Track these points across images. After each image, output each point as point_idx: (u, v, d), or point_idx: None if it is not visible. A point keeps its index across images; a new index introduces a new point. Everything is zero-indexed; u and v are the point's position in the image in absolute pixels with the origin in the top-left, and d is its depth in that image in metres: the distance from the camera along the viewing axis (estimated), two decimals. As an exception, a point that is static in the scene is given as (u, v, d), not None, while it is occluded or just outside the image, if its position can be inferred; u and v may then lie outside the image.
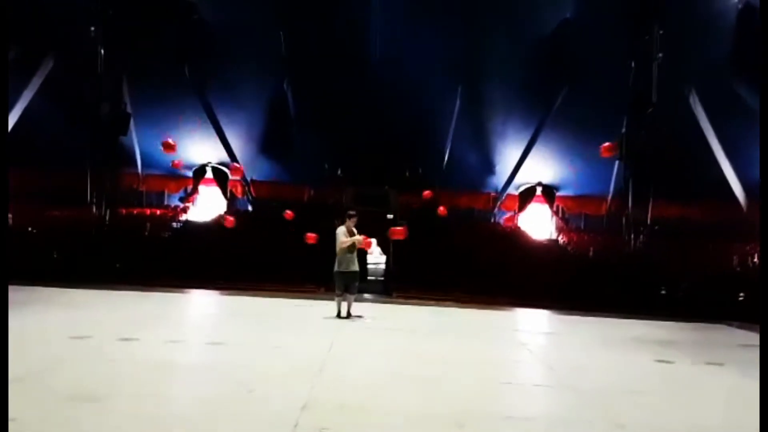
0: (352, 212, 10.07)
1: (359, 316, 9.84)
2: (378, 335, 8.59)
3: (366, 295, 14.22)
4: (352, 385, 5.27)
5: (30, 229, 19.46)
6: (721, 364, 7.64)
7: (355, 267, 9.69)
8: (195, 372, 5.67)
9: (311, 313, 10.48)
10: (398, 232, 11.68)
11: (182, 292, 14.43)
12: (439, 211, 12.36)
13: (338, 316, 9.66)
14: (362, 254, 12.40)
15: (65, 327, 7.70)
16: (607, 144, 16.11)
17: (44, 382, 4.80)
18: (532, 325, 12.09)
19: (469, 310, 13.29)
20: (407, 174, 24.99)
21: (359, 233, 9.80)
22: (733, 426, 4.69)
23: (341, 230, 9.71)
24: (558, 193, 27.52)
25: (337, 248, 9.58)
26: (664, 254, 19.64)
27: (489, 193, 27.60)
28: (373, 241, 10.00)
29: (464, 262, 18.77)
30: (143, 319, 8.83)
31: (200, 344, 7.30)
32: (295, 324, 9.41)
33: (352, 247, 9.66)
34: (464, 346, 7.96)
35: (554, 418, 4.68)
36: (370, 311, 10.89)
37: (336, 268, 9.67)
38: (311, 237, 12.12)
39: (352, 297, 9.74)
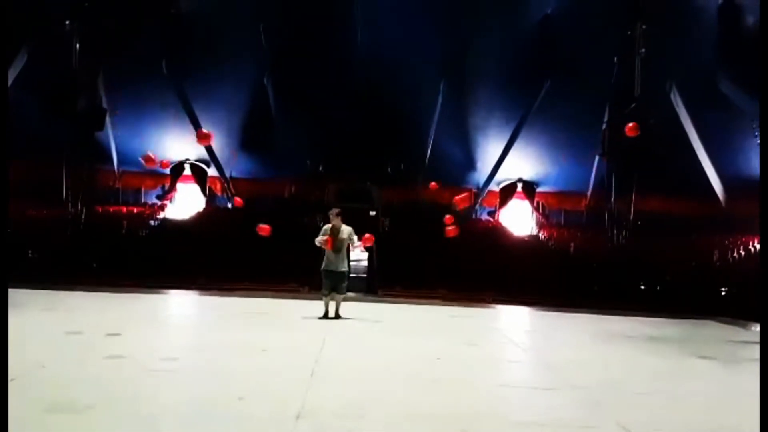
0: (335, 209, 9.81)
1: (346, 317, 9.63)
2: (369, 336, 8.40)
3: (350, 294, 13.99)
4: (347, 390, 5.07)
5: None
6: (714, 359, 7.62)
7: (344, 267, 9.46)
8: (177, 378, 5.39)
9: (297, 314, 10.24)
10: (367, 239, 10.83)
11: (161, 293, 14.10)
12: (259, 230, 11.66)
13: (325, 316, 9.44)
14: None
15: (42, 332, 7.39)
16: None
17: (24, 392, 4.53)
18: (521, 322, 12.02)
19: (457, 308, 13.18)
20: (389, 170, 24.87)
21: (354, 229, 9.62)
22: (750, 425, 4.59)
23: (326, 228, 9.50)
24: (538, 189, 27.61)
25: (318, 245, 9.40)
26: (646, 249, 19.79)
27: (471, 189, 27.57)
28: (354, 237, 9.63)
29: (448, 259, 18.68)
30: (121, 323, 8.52)
31: (182, 348, 7.03)
32: (281, 325, 9.16)
33: (339, 246, 9.43)
34: (457, 346, 7.81)
35: (558, 422, 4.54)
36: (357, 311, 10.69)
37: (323, 267, 9.46)
38: (263, 228, 11.05)
39: (340, 297, 9.52)
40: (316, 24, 21.40)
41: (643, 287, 18.57)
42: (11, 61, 20.43)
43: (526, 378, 6.40)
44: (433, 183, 18.92)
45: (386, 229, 21.39)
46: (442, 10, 21.05)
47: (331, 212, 9.68)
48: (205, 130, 16.01)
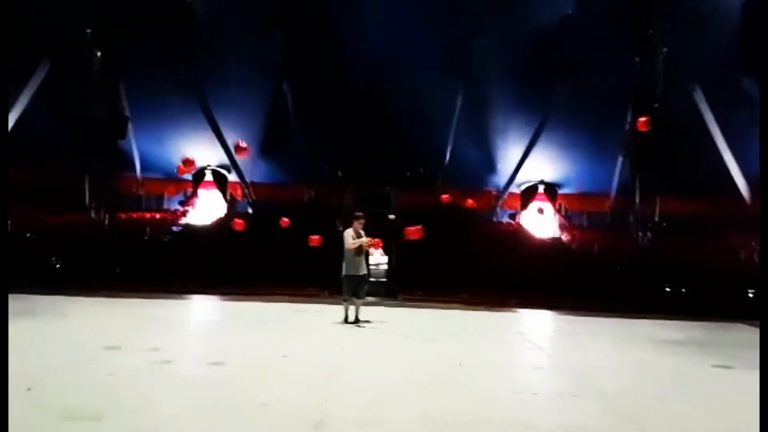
0: (358, 214, 9.80)
1: (367, 321, 9.59)
2: (389, 341, 8.34)
3: (369, 298, 13.92)
4: (366, 398, 5.03)
5: (28, 234, 19.21)
6: (740, 365, 7.42)
7: (364, 270, 9.46)
8: (199, 385, 5.39)
9: (317, 319, 10.21)
10: (414, 231, 11.08)
11: (183, 299, 14.18)
12: (467, 204, 11.76)
13: (345, 321, 9.41)
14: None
15: (69, 337, 7.46)
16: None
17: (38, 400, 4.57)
18: (544, 326, 11.86)
19: (478, 312, 13.06)
20: (408, 174, 24.76)
21: (366, 234, 9.56)
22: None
23: (348, 232, 9.47)
24: (560, 191, 27.31)
25: (345, 251, 9.35)
26: (671, 251, 19.45)
27: (491, 192, 27.36)
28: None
29: (468, 262, 18.55)
30: (145, 328, 8.57)
31: (204, 354, 7.02)
32: (301, 330, 9.14)
33: (359, 250, 9.40)
34: (480, 351, 7.72)
35: (583, 429, 4.45)
36: (378, 315, 10.64)
37: (344, 272, 9.42)
38: (314, 239, 11.67)
39: (360, 302, 9.48)
40: (334, 28, 21.40)
41: (668, 289, 18.27)
42: (34, 70, 20.81)
43: (550, 384, 6.29)
44: (445, 195, 18.86)
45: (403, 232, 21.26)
46: (462, 11, 20.89)
47: (356, 216, 9.67)
48: (242, 143, 15.36)
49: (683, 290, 17.91)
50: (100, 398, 4.66)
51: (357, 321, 9.42)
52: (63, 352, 6.42)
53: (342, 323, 9.38)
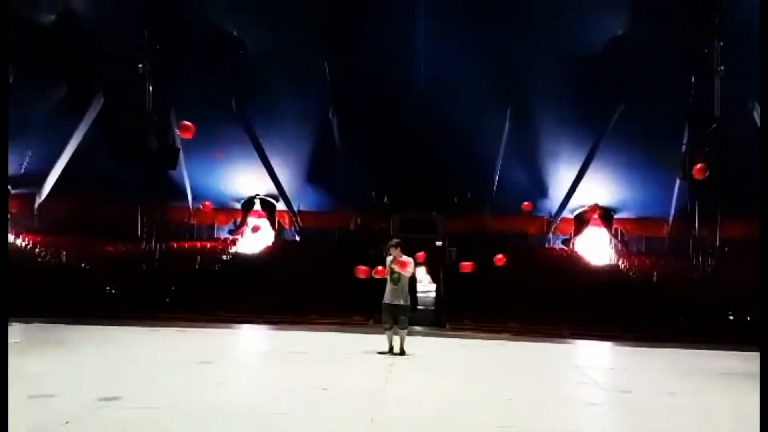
0: (395, 240, 9.37)
1: (409, 353, 9.17)
2: (434, 375, 7.91)
3: (416, 328, 13.52)
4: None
5: (83, 265, 19.72)
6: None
7: (403, 300, 8.97)
8: (240, 419, 5.13)
9: (361, 348, 9.88)
10: (466, 266, 10.87)
11: (229, 327, 14.15)
12: (495, 261, 11.30)
13: (390, 351, 9.04)
14: (412, 284, 11.57)
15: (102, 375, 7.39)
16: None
17: None
18: (601, 358, 11.18)
19: (529, 343, 12.47)
20: (456, 199, 24.40)
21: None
22: None
23: (388, 260, 9.16)
24: (616, 216, 26.39)
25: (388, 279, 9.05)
26: (733, 277, 18.38)
27: (543, 217, 26.67)
28: (422, 269, 9.25)
29: (518, 290, 17.96)
30: (189, 359, 8.45)
31: (246, 387, 6.81)
32: (344, 361, 8.82)
33: (397, 278, 9.02)
34: (531, 386, 7.21)
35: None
36: (423, 346, 10.23)
37: (383, 300, 9.10)
38: (363, 270, 10.70)
39: (404, 332, 9.06)
40: (379, 56, 21.43)
41: (731, 317, 17.22)
42: (89, 105, 21.57)
43: (607, 423, 5.77)
44: (526, 203, 18.33)
45: (453, 259, 20.82)
46: (508, 36, 20.60)
47: (390, 243, 9.30)
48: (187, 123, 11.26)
49: (747, 318, 16.87)
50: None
51: (402, 352, 9.01)
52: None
53: (385, 353, 9.02)
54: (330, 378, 7.14)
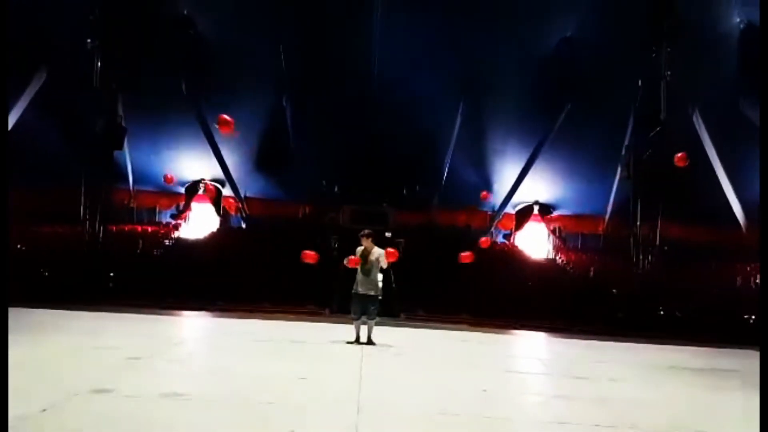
0: (366, 231, 9.44)
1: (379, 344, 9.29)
2: (406, 366, 8.02)
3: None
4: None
5: (19, 246, 18.73)
6: None
7: (374, 291, 9.12)
8: (217, 408, 5.04)
9: (325, 338, 9.92)
10: (466, 257, 11.22)
11: (179, 315, 13.84)
12: (461, 258, 11.55)
13: (356, 341, 9.14)
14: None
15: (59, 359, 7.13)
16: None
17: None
18: (557, 351, 11.59)
19: (486, 334, 12.83)
20: (405, 192, 24.65)
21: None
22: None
23: (359, 251, 9.25)
24: (555, 212, 27.29)
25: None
26: (667, 275, 19.46)
27: (486, 212, 27.27)
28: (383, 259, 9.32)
29: (465, 282, 18.36)
30: (146, 345, 8.24)
31: (216, 373, 6.70)
32: (313, 352, 8.82)
33: (369, 269, 9.13)
34: (500, 377, 7.45)
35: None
36: (383, 335, 10.34)
37: (353, 290, 9.19)
38: (310, 255, 10.12)
39: (372, 322, 9.16)
40: (333, 45, 21.33)
41: (662, 313, 18.22)
42: (29, 80, 20.44)
43: (581, 415, 6.06)
44: (484, 192, 18.54)
45: (402, 250, 21.03)
46: (461, 30, 20.90)
47: (362, 234, 9.39)
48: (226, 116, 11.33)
49: (677, 314, 17.93)
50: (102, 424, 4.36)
51: (369, 341, 9.12)
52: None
53: (352, 343, 9.10)
54: (305, 367, 7.14)
